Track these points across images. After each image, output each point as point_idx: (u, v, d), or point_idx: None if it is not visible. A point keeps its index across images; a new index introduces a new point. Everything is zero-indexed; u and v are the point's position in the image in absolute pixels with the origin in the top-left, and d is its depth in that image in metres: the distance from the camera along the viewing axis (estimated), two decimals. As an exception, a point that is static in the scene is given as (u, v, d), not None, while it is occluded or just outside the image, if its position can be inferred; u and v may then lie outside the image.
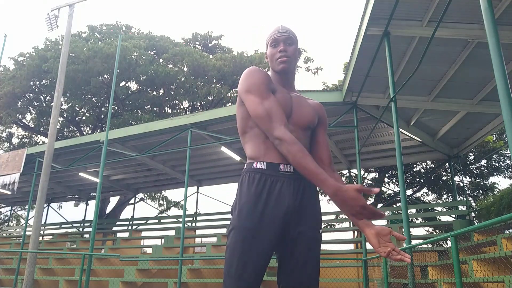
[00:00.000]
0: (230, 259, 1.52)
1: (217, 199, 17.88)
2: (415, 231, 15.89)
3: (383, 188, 16.71)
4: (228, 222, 2.29)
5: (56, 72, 13.71)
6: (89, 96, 18.69)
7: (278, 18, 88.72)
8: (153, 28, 65.92)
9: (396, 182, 16.08)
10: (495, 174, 14.46)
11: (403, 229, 7.08)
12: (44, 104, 18.99)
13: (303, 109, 1.76)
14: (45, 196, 9.52)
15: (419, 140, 10.15)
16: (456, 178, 12.67)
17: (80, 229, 16.43)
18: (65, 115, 19.94)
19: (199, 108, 19.47)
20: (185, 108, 20.13)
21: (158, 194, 21.55)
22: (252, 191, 1.58)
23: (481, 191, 14.51)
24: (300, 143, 1.53)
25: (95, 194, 16.65)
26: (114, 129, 11.60)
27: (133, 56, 16.62)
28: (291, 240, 1.58)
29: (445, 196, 15.58)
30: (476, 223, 10.08)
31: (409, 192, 15.68)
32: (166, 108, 19.81)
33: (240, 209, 1.57)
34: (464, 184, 14.14)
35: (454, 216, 10.87)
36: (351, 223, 12.38)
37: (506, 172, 14.29)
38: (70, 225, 16.79)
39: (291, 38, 1.80)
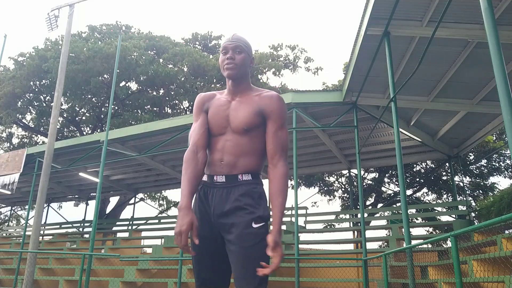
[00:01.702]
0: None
1: (217, 199, 17.79)
2: (415, 231, 15.90)
3: (383, 188, 16.71)
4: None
5: (56, 72, 13.70)
6: (89, 96, 18.68)
7: (278, 18, 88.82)
8: (153, 28, 65.91)
9: (396, 182, 16.08)
10: (495, 174, 14.47)
11: (403, 229, 7.08)
12: (44, 104, 18.98)
13: (238, 113, 1.81)
14: (45, 196, 9.51)
15: (419, 140, 10.15)
16: (456, 178, 12.67)
17: (80, 229, 16.42)
18: (65, 115, 19.93)
19: (199, 108, 19.40)
20: (185, 108, 20.12)
21: (158, 194, 21.56)
22: (196, 202, 1.83)
23: (481, 191, 14.51)
24: (190, 162, 1.76)
25: (95, 194, 16.64)
26: (114, 129, 11.59)
27: (133, 56, 16.60)
28: (227, 239, 1.71)
29: (445, 196, 15.59)
30: (476, 223, 10.07)
31: (409, 192, 15.68)
32: (166, 108, 19.79)
33: None
34: (464, 184, 14.14)
35: (454, 216, 10.87)
36: (351, 223, 12.43)
37: (506, 172, 14.30)
38: (70, 225, 16.79)
39: (240, 46, 1.84)
